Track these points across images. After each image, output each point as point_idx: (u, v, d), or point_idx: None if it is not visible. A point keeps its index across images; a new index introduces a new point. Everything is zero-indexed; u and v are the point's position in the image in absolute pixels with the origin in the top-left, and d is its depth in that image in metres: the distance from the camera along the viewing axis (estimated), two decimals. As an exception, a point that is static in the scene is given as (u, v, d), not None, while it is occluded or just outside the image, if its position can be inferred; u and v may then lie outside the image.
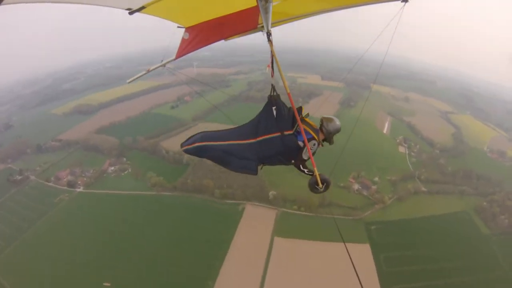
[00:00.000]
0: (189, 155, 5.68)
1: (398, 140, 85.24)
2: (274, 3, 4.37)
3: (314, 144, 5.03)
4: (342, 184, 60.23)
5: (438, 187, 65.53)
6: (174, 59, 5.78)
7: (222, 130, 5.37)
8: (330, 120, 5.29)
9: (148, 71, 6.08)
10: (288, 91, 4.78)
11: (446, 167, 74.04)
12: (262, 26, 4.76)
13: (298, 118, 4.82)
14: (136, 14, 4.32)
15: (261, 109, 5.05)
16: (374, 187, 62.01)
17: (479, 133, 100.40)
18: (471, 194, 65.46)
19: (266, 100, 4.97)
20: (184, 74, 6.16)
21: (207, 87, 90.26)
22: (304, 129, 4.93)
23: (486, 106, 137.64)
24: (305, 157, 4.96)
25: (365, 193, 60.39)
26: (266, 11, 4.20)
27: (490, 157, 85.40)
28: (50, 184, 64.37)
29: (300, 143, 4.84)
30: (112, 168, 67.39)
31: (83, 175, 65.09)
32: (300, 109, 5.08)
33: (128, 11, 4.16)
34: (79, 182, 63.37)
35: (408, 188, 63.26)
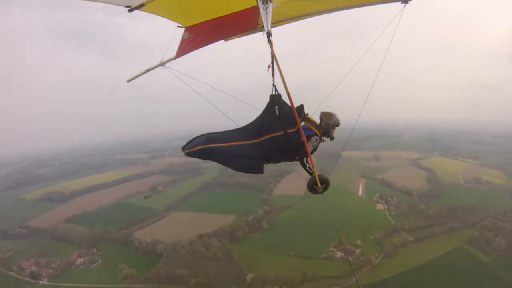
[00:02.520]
0: (191, 157, 7.08)
1: (374, 199, 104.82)
2: (274, 3, 5.58)
3: (317, 140, 6.75)
4: (323, 255, 71.88)
5: (425, 232, 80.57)
6: (174, 59, 7.28)
7: (225, 131, 6.75)
8: (329, 114, 6.86)
9: (148, 70, 7.73)
10: (288, 90, 5.89)
11: (427, 211, 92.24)
12: (262, 26, 5.89)
13: (297, 117, 6.17)
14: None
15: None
16: (358, 250, 73.89)
17: (451, 169, 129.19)
18: (460, 228, 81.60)
19: (268, 101, 6.37)
20: (184, 74, 7.60)
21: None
22: (307, 126, 6.69)
23: (451, 143, 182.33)
24: (310, 148, 6.58)
25: (349, 258, 71.37)
26: (266, 11, 5.39)
27: (468, 187, 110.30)
28: (12, 273, 71.10)
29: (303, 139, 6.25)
30: (81, 259, 75.55)
31: (49, 266, 72.97)
32: (301, 107, 6.50)
33: (127, 8, 5.41)
34: (43, 274, 70.04)
35: (393, 242, 76.35)
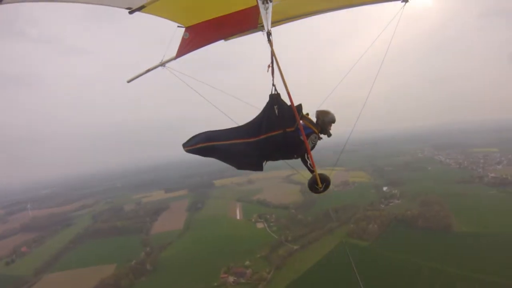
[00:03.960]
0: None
1: (253, 219, 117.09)
2: (274, 3, 6.25)
3: (315, 137, 7.67)
4: (216, 284, 76.57)
5: (308, 238, 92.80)
6: (174, 59, 8.12)
7: (225, 130, 7.70)
8: (325, 112, 7.82)
9: (148, 70, 8.54)
10: (288, 89, 6.56)
11: (306, 219, 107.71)
12: (262, 26, 6.61)
13: (297, 116, 6.99)
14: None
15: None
16: (249, 270, 79.90)
17: None
18: (337, 226, 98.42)
19: (266, 102, 7.13)
20: (184, 74, 8.26)
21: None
22: (305, 125, 7.49)
23: (318, 156, 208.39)
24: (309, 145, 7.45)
25: (242, 280, 76.70)
26: (266, 10, 6.07)
27: (338, 191, 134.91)
28: None
29: (302, 138, 7.09)
30: None
31: None
32: (300, 106, 7.35)
33: (128, 10, 6.08)
34: None
35: (280, 254, 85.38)
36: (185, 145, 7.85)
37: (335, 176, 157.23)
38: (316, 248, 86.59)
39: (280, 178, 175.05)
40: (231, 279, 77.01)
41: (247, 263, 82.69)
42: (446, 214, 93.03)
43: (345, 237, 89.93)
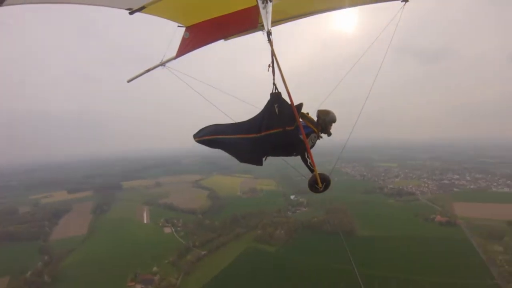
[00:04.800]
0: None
1: (161, 224, 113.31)
2: (274, 2, 6.25)
3: (315, 137, 7.78)
4: None
5: (215, 243, 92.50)
6: (174, 58, 8.06)
7: (230, 124, 7.96)
8: (325, 112, 7.89)
9: (148, 70, 8.52)
10: (288, 89, 6.52)
11: (213, 224, 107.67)
12: (262, 25, 6.49)
13: (297, 115, 6.99)
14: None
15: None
16: (156, 277, 76.64)
17: (230, 185, 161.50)
18: (245, 232, 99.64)
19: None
20: (184, 74, 8.47)
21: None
22: (305, 124, 7.64)
23: (228, 163, 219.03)
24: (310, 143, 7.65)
25: (150, 287, 73.32)
26: (266, 10, 6.07)
27: (246, 197, 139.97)
28: None
29: (301, 137, 7.13)
30: None
31: None
32: (300, 106, 7.35)
33: (128, 11, 6.04)
34: None
35: (188, 260, 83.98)
36: (195, 136, 8.25)
37: (243, 183, 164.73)
38: (224, 253, 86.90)
39: (189, 183, 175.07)
40: (138, 287, 73.14)
41: (154, 269, 79.48)
42: (350, 220, 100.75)
43: (252, 242, 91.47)
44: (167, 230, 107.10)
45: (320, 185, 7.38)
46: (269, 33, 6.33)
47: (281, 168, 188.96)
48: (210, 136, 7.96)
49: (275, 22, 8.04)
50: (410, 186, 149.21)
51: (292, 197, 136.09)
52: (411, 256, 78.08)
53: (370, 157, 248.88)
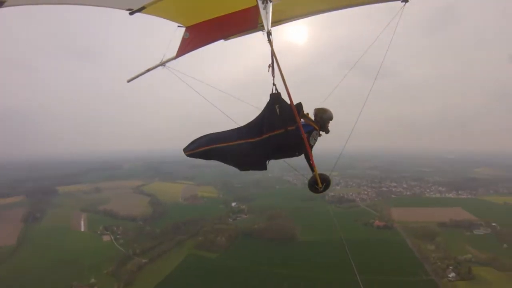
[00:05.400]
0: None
1: (99, 232, 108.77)
2: (274, 3, 6.26)
3: (317, 134, 7.82)
4: None
5: (157, 251, 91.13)
6: (174, 58, 8.03)
7: (226, 131, 7.63)
8: (323, 110, 7.99)
9: (148, 70, 8.43)
10: (288, 89, 6.54)
11: (154, 232, 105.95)
12: (262, 26, 6.48)
13: (296, 114, 6.93)
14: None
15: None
16: None
17: (171, 191, 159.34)
18: (186, 239, 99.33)
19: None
20: (183, 73, 8.40)
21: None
22: (306, 123, 7.63)
23: (171, 169, 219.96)
24: (312, 142, 7.73)
25: None
26: (266, 10, 6.07)
27: (187, 204, 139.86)
28: None
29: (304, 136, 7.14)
30: None
31: None
32: (300, 105, 7.35)
33: (128, 12, 6.03)
34: None
35: (129, 269, 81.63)
36: (186, 150, 7.78)
37: (185, 189, 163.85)
38: (165, 261, 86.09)
39: (130, 188, 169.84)
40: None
41: (92, 280, 76.17)
42: (291, 226, 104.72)
43: (193, 249, 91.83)
44: (106, 238, 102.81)
45: (320, 185, 7.57)
46: (269, 34, 6.40)
47: (222, 175, 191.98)
48: (205, 147, 7.61)
49: (275, 23, 8.05)
50: (351, 193, 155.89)
51: (233, 204, 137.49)
52: (352, 258, 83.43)
53: None
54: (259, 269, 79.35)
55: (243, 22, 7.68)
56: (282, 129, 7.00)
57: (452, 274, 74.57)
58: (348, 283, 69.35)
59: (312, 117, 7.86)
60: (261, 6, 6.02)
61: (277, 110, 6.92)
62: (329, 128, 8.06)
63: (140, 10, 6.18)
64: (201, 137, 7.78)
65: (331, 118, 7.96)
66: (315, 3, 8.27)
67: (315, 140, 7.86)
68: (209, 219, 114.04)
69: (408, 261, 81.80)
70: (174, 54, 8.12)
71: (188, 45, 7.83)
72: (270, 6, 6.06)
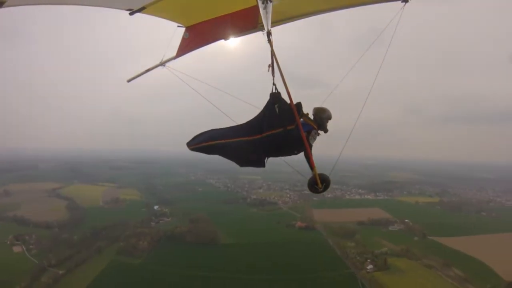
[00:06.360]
0: None
1: (9, 242, 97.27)
2: (274, 3, 6.15)
3: (315, 133, 7.79)
4: None
5: (75, 260, 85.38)
6: (174, 58, 7.95)
7: (229, 128, 7.76)
8: (321, 109, 8.00)
9: (148, 70, 8.35)
10: (288, 88, 6.58)
11: (72, 239, 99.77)
12: (262, 26, 6.44)
13: (296, 114, 6.97)
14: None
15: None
16: None
17: (91, 194, 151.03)
18: (107, 245, 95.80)
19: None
20: (183, 73, 8.19)
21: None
22: (305, 122, 7.63)
23: (91, 170, 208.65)
24: (311, 142, 7.75)
25: None
26: (266, 10, 6.00)
27: (108, 208, 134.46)
28: None
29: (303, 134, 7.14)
30: None
31: None
32: (299, 104, 7.35)
33: (128, 12, 5.94)
34: None
35: (44, 282, 75.67)
36: (189, 144, 7.93)
37: (106, 192, 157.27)
38: (85, 271, 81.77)
39: (45, 191, 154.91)
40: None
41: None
42: (213, 229, 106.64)
43: (115, 256, 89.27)
44: (17, 249, 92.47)
45: (320, 185, 7.42)
46: (269, 34, 6.50)
47: (145, 177, 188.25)
48: (208, 142, 7.74)
49: (275, 23, 7.93)
50: (273, 196, 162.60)
51: (155, 207, 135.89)
52: (275, 259, 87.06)
53: (235, 169, 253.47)
54: (182, 273, 80.00)
55: (243, 22, 7.79)
56: (282, 128, 7.19)
57: (370, 266, 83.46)
58: (270, 283, 74.74)
59: (311, 117, 7.98)
60: (261, 6, 6.04)
61: (277, 110, 7.13)
62: (328, 127, 8.22)
63: (140, 10, 6.31)
64: (203, 133, 7.95)
65: (330, 118, 8.09)
66: (315, 3, 8.36)
67: (314, 139, 7.98)
68: (131, 223, 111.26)
69: (330, 258, 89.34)
70: (174, 54, 8.26)
71: (188, 45, 8.00)
72: (270, 6, 6.08)
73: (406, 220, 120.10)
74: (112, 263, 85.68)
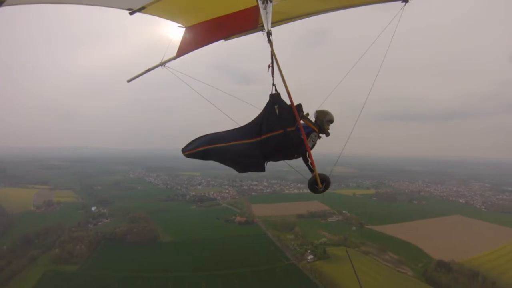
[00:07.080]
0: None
1: None
2: (274, 3, 5.93)
3: (315, 136, 7.56)
4: None
5: (6, 273, 78.01)
6: (174, 58, 7.77)
7: (226, 131, 7.36)
8: (323, 112, 7.79)
9: (148, 70, 8.11)
10: (288, 89, 6.39)
11: (1, 250, 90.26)
12: (262, 26, 6.31)
13: (297, 115, 6.74)
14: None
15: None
16: None
17: (21, 198, 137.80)
18: (41, 253, 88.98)
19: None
20: (183, 73, 7.75)
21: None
22: (305, 124, 7.38)
23: (19, 172, 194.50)
24: (310, 144, 7.43)
25: None
26: (266, 10, 5.78)
27: (40, 212, 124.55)
28: None
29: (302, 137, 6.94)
30: None
31: None
32: (300, 106, 7.05)
33: (128, 11, 5.84)
34: None
35: None
36: (184, 150, 7.60)
37: (37, 195, 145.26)
38: (17, 284, 75.58)
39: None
40: None
41: None
42: (153, 228, 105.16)
43: (50, 264, 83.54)
44: None
45: (320, 185, 7.30)
46: (269, 34, 6.37)
47: (81, 177, 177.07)
48: (204, 146, 7.38)
49: (275, 23, 7.83)
50: (212, 192, 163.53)
51: (93, 208, 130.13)
52: (216, 255, 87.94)
53: (174, 166, 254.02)
54: (123, 276, 77.93)
55: (243, 22, 7.68)
56: (281, 129, 6.92)
57: (310, 257, 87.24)
58: (213, 278, 75.79)
59: (313, 119, 7.84)
60: (261, 6, 5.97)
61: (277, 111, 6.89)
62: (329, 131, 8.06)
63: (140, 10, 6.26)
64: (200, 137, 7.64)
65: (331, 121, 7.92)
66: (315, 3, 8.22)
67: (314, 142, 7.81)
68: (66, 227, 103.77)
69: (270, 251, 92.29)
70: (174, 54, 8.13)
71: (188, 45, 7.90)
72: (270, 6, 6.02)
73: (344, 211, 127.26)
74: (48, 273, 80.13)
